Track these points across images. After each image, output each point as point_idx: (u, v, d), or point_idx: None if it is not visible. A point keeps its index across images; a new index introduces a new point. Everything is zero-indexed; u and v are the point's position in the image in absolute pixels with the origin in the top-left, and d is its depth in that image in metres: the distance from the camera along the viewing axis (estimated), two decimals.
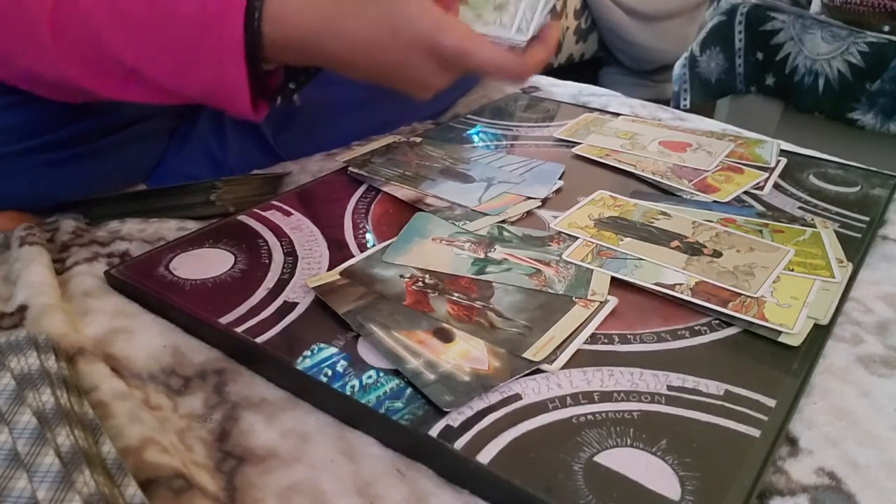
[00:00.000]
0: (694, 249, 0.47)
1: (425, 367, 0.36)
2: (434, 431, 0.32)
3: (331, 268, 0.45)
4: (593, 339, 0.39)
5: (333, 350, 0.37)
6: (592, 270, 0.45)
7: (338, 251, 0.47)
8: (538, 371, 0.36)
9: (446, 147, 0.63)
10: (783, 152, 0.64)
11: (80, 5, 0.40)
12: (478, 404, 0.34)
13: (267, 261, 0.46)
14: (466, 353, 0.37)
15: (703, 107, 1.26)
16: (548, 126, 0.69)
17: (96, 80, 0.42)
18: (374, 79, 0.46)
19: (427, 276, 0.44)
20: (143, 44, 0.41)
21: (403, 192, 0.54)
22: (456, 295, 0.42)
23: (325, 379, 0.35)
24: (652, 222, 0.50)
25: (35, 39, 0.40)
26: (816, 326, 0.40)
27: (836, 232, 0.50)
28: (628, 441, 0.32)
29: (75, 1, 0.40)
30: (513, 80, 0.47)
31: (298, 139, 0.64)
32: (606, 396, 0.35)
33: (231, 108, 0.44)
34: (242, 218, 0.51)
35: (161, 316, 0.42)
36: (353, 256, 0.46)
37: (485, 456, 0.31)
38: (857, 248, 0.49)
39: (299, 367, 0.36)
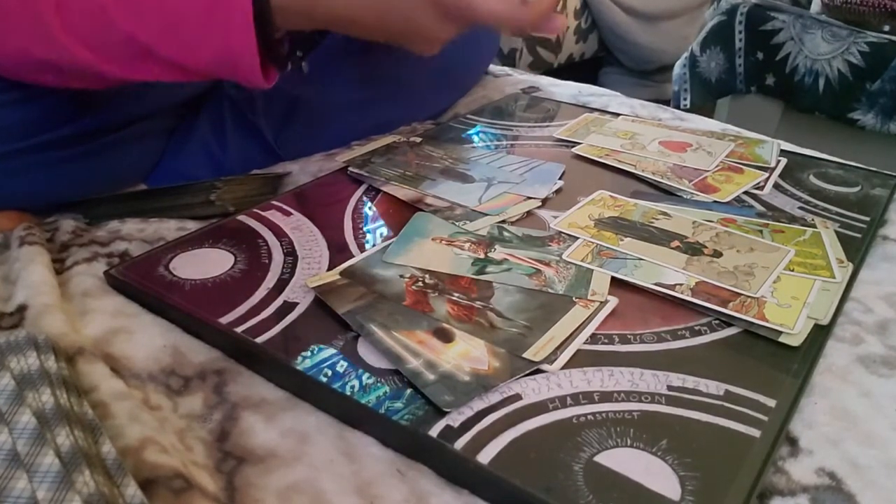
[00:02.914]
0: (694, 249, 0.47)
1: (425, 367, 0.36)
2: (434, 431, 0.32)
3: (331, 268, 0.45)
4: (593, 339, 0.39)
5: (333, 350, 0.37)
6: (592, 270, 0.45)
7: (338, 251, 0.47)
8: (538, 371, 0.36)
9: (446, 147, 0.63)
10: (783, 152, 0.64)
11: None
12: (478, 404, 0.34)
13: (267, 261, 0.46)
14: (466, 353, 0.37)
15: (703, 107, 1.26)
16: (548, 126, 0.69)
17: (106, 60, 0.42)
18: (380, 35, 0.46)
19: (427, 276, 0.44)
20: (151, 18, 0.41)
21: (403, 192, 0.54)
22: (456, 295, 0.42)
23: (325, 379, 0.35)
24: (652, 222, 0.50)
25: (43, 24, 0.40)
26: (817, 326, 0.40)
27: (836, 232, 0.50)
28: (628, 441, 0.32)
29: None
30: (518, 31, 0.48)
31: (298, 139, 0.64)
32: (606, 396, 0.35)
33: (241, 77, 0.45)
34: (242, 218, 0.51)
35: (161, 316, 0.42)
36: (352, 256, 0.46)
37: (485, 456, 0.31)
38: (857, 248, 0.49)
39: (299, 367, 0.36)
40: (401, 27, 0.45)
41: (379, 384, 0.35)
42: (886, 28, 1.06)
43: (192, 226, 0.51)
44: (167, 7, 0.41)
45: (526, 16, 0.46)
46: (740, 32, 1.22)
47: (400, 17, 0.44)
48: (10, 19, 0.41)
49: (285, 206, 0.52)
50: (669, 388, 0.35)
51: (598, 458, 0.31)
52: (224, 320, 0.40)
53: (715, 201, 0.54)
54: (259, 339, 0.38)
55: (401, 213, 0.52)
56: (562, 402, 0.34)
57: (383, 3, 0.44)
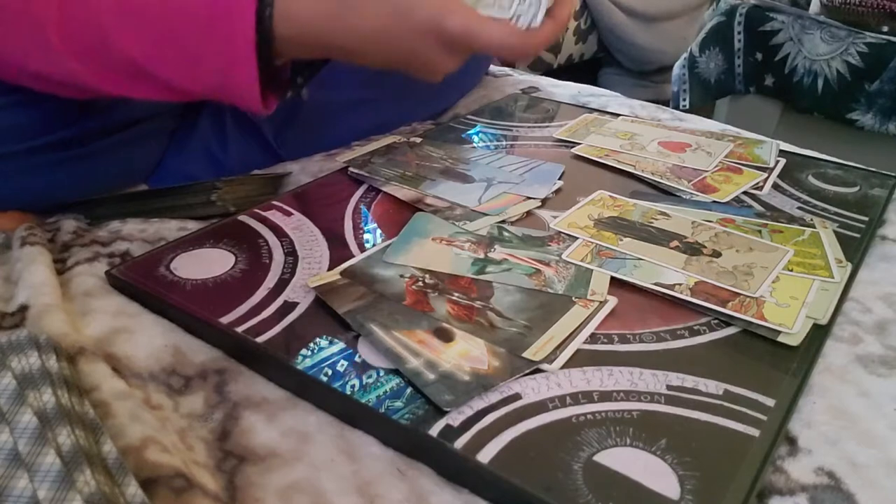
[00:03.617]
0: (693, 249, 0.47)
1: (425, 367, 0.36)
2: (434, 431, 0.33)
3: (331, 268, 0.45)
4: (593, 338, 0.39)
5: (334, 349, 0.37)
6: (592, 270, 0.45)
7: (338, 251, 0.47)
8: (538, 371, 0.36)
9: (446, 147, 0.63)
10: (782, 152, 0.64)
11: (88, 4, 0.40)
12: (478, 404, 0.34)
13: (267, 261, 0.46)
14: (466, 353, 0.37)
15: (702, 107, 1.26)
16: (547, 126, 0.69)
17: (104, 78, 0.43)
18: (384, 66, 0.47)
19: (427, 275, 0.44)
20: (151, 41, 0.41)
21: (403, 193, 0.54)
22: (456, 295, 0.42)
23: (325, 378, 0.35)
24: (651, 222, 0.50)
25: (42, 40, 0.41)
26: (815, 326, 0.40)
27: (835, 232, 0.50)
28: (628, 440, 0.32)
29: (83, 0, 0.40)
30: (520, 58, 0.49)
31: (299, 139, 0.64)
32: (606, 396, 0.35)
33: (240, 104, 0.45)
34: (243, 218, 0.51)
35: (162, 316, 0.42)
36: (353, 256, 0.46)
37: (485, 455, 0.31)
38: (856, 249, 0.49)
39: (299, 367, 0.36)
40: (405, 59, 0.45)
41: (379, 383, 0.35)
42: (885, 29, 1.06)
43: (192, 226, 0.52)
44: (168, 31, 0.41)
45: (529, 44, 0.46)
46: (739, 33, 1.22)
47: (404, 50, 0.44)
48: (9, 30, 0.41)
49: (286, 207, 0.53)
50: (669, 387, 0.35)
51: (597, 458, 0.31)
52: (225, 320, 0.40)
53: (714, 201, 0.55)
54: (260, 339, 0.38)
55: (401, 214, 0.52)
56: (561, 401, 0.34)
57: (386, 38, 0.44)
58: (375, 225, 0.51)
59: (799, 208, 0.54)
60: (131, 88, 0.43)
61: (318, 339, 0.38)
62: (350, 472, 0.32)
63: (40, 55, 0.42)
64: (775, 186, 0.58)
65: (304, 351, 0.37)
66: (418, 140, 0.64)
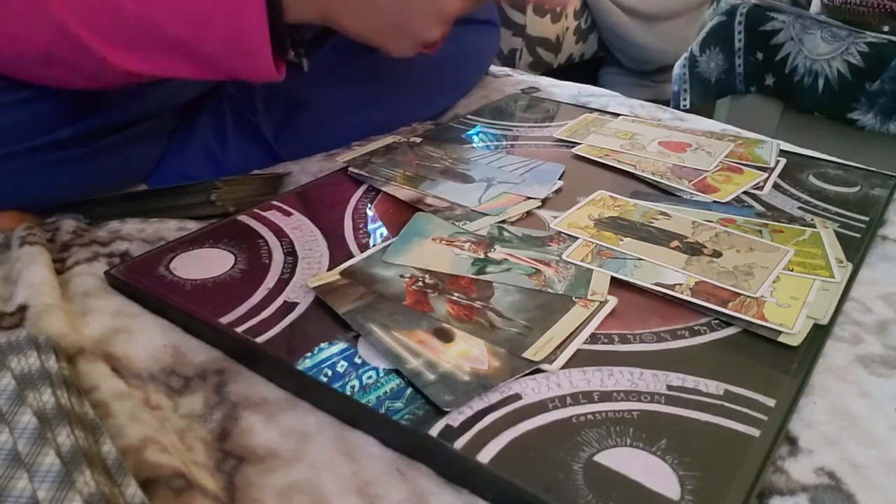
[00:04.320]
0: (694, 249, 0.47)
1: (425, 367, 0.36)
2: (434, 431, 0.32)
3: (331, 268, 0.45)
4: (593, 338, 0.39)
5: (334, 349, 0.37)
6: (592, 270, 0.45)
7: (338, 251, 0.47)
8: (538, 371, 0.36)
9: (446, 147, 0.63)
10: (783, 152, 0.64)
11: None
12: (478, 404, 0.34)
13: (267, 261, 0.46)
14: (466, 353, 0.37)
15: (702, 107, 1.26)
16: (547, 126, 0.69)
17: (110, 43, 0.42)
18: (373, 25, 0.47)
19: (427, 276, 0.44)
20: (163, 1, 0.41)
21: (403, 193, 0.54)
22: (456, 295, 0.42)
23: (325, 379, 0.35)
24: (652, 222, 0.50)
25: (44, 4, 0.40)
26: (816, 326, 0.40)
27: (835, 232, 0.50)
28: (628, 441, 0.32)
29: None
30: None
31: (299, 139, 0.64)
32: (606, 396, 0.35)
33: (251, 65, 0.45)
34: (242, 218, 0.51)
35: (161, 316, 0.42)
36: (353, 256, 0.46)
37: (485, 455, 0.31)
38: (856, 248, 0.49)
39: (299, 367, 0.36)
40: (393, 16, 0.46)
41: (379, 384, 0.35)
42: (886, 28, 1.06)
43: (192, 226, 0.51)
44: None
45: None
46: (740, 33, 1.22)
47: (393, 5, 0.45)
48: (14, 10, 0.41)
49: (285, 207, 0.53)
50: (669, 387, 0.35)
51: (597, 458, 0.31)
52: (224, 320, 0.40)
53: (714, 201, 0.55)
54: (259, 339, 0.38)
55: (401, 213, 0.52)
56: (561, 401, 0.34)
57: None
58: (375, 225, 0.51)
59: (799, 208, 0.54)
60: (141, 57, 0.43)
61: (318, 340, 0.38)
62: (350, 473, 0.32)
63: (43, 22, 0.41)
64: (776, 186, 0.58)
65: (304, 352, 0.37)
66: (418, 140, 0.64)
